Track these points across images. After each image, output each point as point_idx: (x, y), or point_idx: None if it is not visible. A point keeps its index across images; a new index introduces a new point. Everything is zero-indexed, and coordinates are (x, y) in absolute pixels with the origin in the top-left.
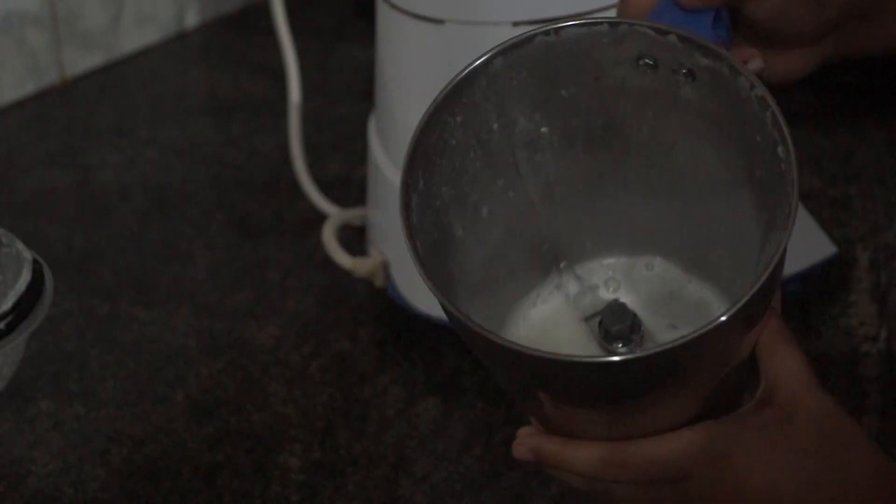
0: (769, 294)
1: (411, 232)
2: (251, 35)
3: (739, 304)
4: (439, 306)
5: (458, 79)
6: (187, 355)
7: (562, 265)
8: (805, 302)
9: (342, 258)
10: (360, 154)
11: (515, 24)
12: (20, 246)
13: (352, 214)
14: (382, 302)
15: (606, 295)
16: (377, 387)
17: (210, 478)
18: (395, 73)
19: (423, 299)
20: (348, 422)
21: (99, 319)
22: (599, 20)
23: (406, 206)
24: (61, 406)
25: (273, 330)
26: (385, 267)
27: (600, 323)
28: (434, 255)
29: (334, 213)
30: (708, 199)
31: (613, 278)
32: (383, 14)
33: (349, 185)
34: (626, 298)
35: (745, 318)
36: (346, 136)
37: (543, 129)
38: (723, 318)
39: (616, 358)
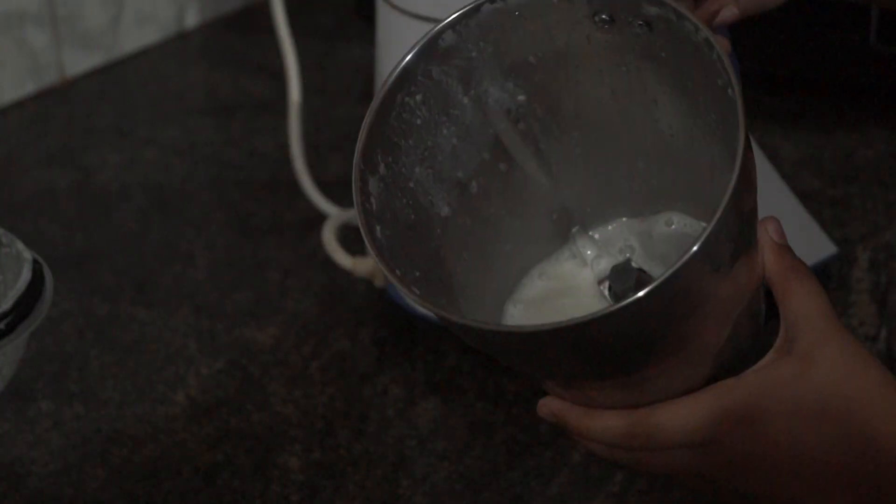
0: (731, 233)
1: (369, 219)
2: (251, 35)
3: (689, 254)
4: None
5: (405, 60)
6: (187, 355)
7: (574, 230)
8: None
9: (342, 258)
10: None
11: None
12: (20, 246)
13: (352, 214)
14: (382, 302)
15: (621, 257)
16: (377, 387)
17: (210, 478)
18: None
19: None
20: (348, 422)
21: (99, 319)
22: None
23: (362, 192)
24: (61, 406)
25: (273, 330)
26: None
27: (609, 287)
28: (411, 238)
29: (334, 213)
30: (697, 148)
31: (629, 242)
32: (383, 14)
33: (349, 185)
34: (643, 261)
35: (710, 258)
36: (346, 136)
37: (520, 97)
38: (678, 265)
39: (569, 323)
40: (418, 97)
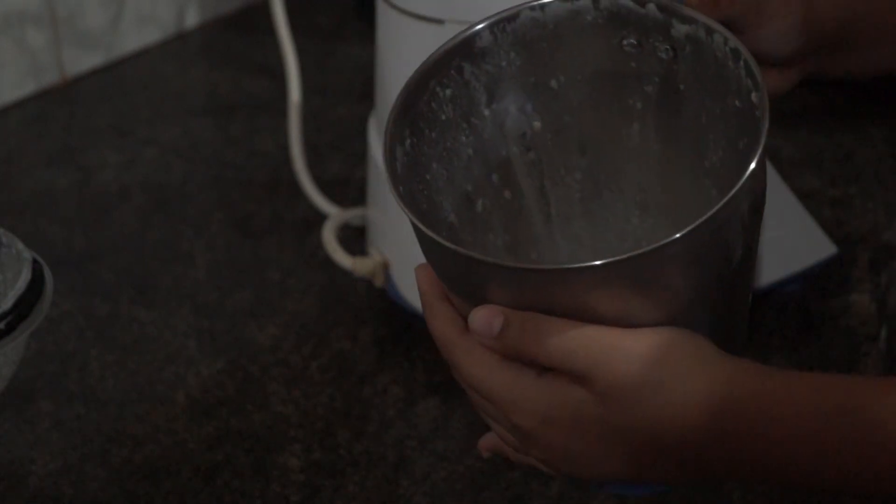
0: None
1: (395, 175)
2: (251, 35)
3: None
4: None
5: (447, 46)
6: (187, 355)
7: None
8: (805, 302)
9: (342, 258)
10: (360, 154)
11: None
12: (20, 246)
13: (352, 214)
14: (382, 302)
15: None
16: (377, 387)
17: (210, 478)
18: (394, 73)
19: None
20: (348, 422)
21: (99, 319)
22: None
23: (391, 154)
24: (61, 406)
25: (273, 330)
26: (385, 267)
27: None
28: (423, 219)
29: (334, 213)
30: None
31: None
32: (383, 14)
33: (349, 185)
34: None
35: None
36: (346, 136)
37: (536, 124)
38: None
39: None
40: (448, 91)
